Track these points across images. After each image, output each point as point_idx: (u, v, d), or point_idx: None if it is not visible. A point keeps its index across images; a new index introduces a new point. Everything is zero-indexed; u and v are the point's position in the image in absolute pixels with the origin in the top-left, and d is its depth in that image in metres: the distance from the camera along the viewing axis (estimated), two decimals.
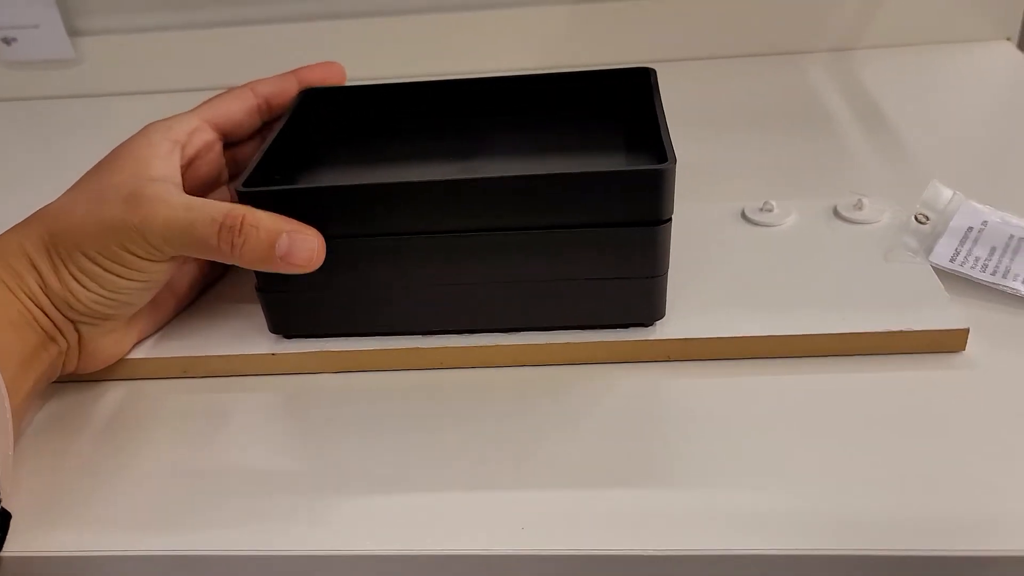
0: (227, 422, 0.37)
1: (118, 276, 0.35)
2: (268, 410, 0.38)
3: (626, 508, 0.32)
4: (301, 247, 0.34)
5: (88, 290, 0.35)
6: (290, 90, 0.43)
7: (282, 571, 0.32)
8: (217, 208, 0.34)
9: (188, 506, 0.33)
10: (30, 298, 0.35)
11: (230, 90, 0.41)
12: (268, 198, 0.35)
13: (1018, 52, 0.63)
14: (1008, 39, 0.65)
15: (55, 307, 0.35)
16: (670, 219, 0.36)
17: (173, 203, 0.34)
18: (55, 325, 0.36)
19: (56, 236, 0.35)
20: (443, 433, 0.36)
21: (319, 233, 0.35)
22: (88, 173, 0.37)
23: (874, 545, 0.30)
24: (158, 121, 0.39)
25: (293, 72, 0.43)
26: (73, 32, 0.67)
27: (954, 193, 0.44)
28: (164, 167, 0.36)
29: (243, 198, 0.36)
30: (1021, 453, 0.33)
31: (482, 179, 0.35)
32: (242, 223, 0.34)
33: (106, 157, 0.38)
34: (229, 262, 0.35)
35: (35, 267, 0.35)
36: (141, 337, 0.40)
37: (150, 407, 0.38)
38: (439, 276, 0.37)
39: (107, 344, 0.38)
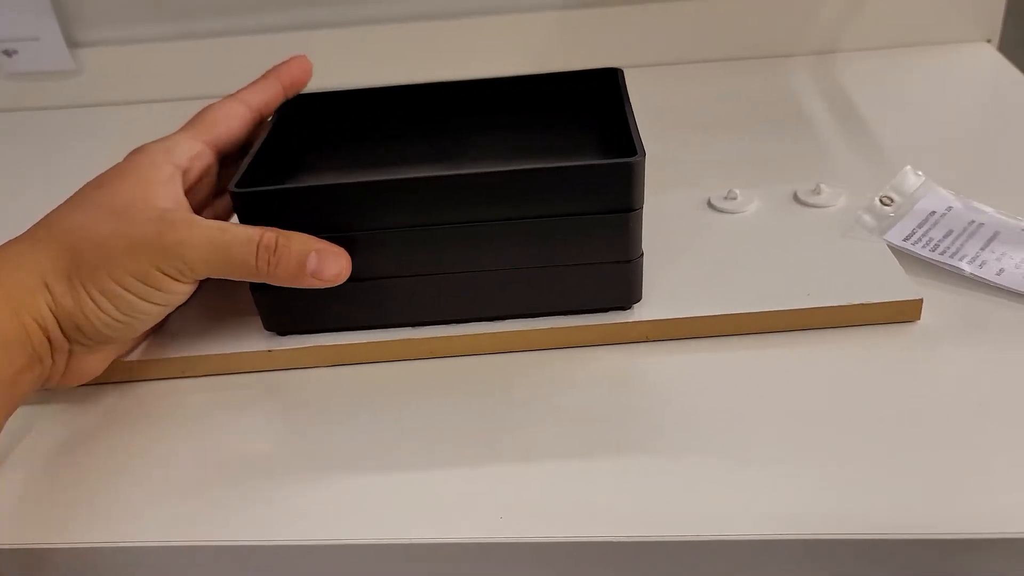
0: (226, 419, 0.39)
1: (139, 298, 0.35)
2: (265, 406, 0.39)
3: (610, 490, 0.34)
4: (330, 264, 0.37)
5: (104, 312, 0.35)
6: (278, 96, 0.43)
7: (272, 560, 0.33)
8: (249, 229, 0.36)
9: (189, 500, 0.35)
10: (34, 317, 0.34)
11: (222, 104, 0.42)
12: (261, 198, 0.37)
13: (998, 54, 0.65)
14: (988, 41, 0.67)
15: (60, 328, 0.35)
16: (641, 207, 0.38)
17: (205, 225, 0.36)
18: (50, 344, 0.35)
19: (79, 255, 0.35)
20: (435, 421, 0.37)
21: (344, 251, 0.37)
22: (90, 189, 0.37)
23: (850, 524, 0.31)
24: (158, 141, 0.39)
25: (273, 75, 0.44)
26: (72, 44, 0.68)
27: (924, 179, 0.47)
28: (168, 193, 0.37)
29: (236, 199, 0.37)
30: (980, 412, 0.35)
31: (468, 174, 0.37)
32: (276, 243, 0.36)
33: (109, 175, 0.38)
34: (260, 280, 0.36)
35: (48, 287, 0.35)
36: (119, 355, 0.40)
37: (151, 407, 0.39)
38: (428, 269, 0.39)
39: (91, 362, 0.38)
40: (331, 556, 0.33)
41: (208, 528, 0.34)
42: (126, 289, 0.35)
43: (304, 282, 0.37)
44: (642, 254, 0.39)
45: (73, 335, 0.36)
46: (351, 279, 0.38)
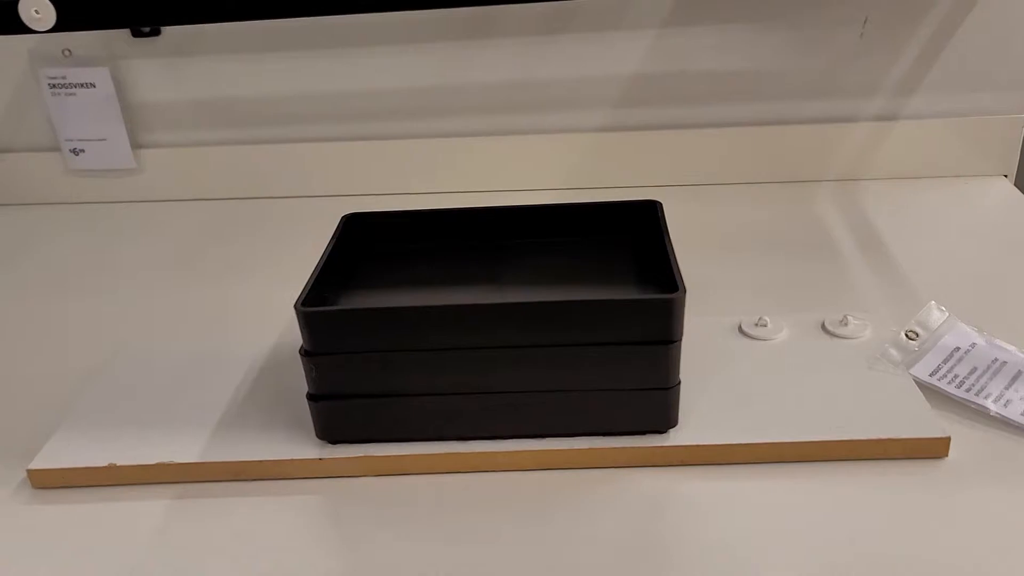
0: (278, 525, 0.40)
1: None
2: (316, 513, 0.41)
3: None
4: None
5: None
6: None
7: None
8: None
9: None
10: None
11: None
12: (323, 317, 0.40)
13: (1014, 188, 0.68)
14: (1005, 176, 0.70)
15: None
16: (680, 339, 0.40)
17: None
18: None
19: None
20: (478, 539, 0.39)
21: None
22: None
23: None
24: None
25: None
26: (136, 145, 0.74)
27: (948, 315, 0.49)
28: None
29: (303, 317, 0.40)
30: (1008, 552, 0.37)
31: (515, 304, 0.39)
32: None
33: None
34: None
35: None
36: None
37: (206, 508, 0.41)
38: (474, 387, 0.41)
39: None
40: None
41: None
42: None
43: None
44: (679, 382, 0.41)
45: None
46: (401, 394, 0.40)
